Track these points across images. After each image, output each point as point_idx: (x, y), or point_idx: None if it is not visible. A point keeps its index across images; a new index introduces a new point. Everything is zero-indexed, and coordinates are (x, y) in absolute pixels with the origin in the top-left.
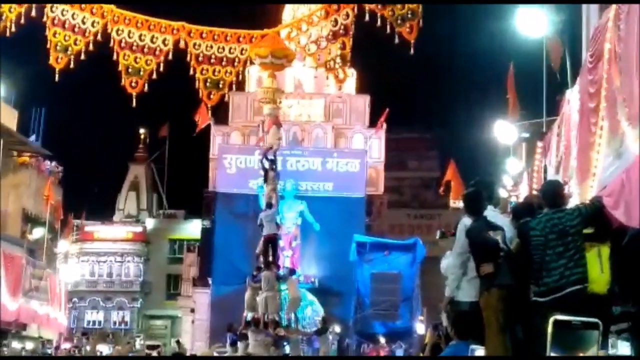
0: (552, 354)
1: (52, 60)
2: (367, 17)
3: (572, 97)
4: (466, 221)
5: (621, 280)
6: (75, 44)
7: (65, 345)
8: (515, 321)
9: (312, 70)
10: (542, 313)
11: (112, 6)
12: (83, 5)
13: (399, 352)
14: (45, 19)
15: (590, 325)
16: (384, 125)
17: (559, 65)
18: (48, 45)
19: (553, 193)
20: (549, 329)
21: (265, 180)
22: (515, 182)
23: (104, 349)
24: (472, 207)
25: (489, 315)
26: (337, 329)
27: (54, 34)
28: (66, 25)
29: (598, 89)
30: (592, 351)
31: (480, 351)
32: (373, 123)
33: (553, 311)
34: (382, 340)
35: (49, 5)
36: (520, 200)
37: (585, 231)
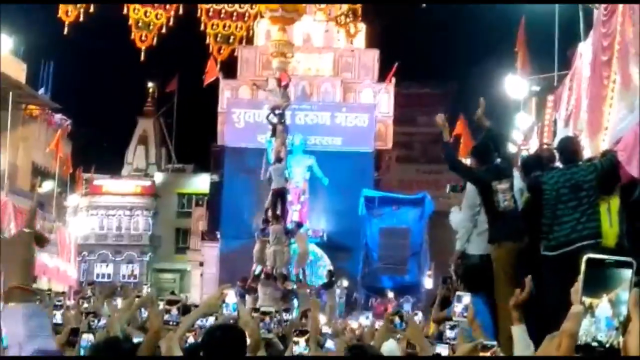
0: (584, 297)
1: (61, 13)
2: None
3: (585, 51)
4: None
5: (631, 234)
6: None
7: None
8: (525, 274)
9: (322, 24)
10: (552, 267)
11: None
12: None
13: (407, 306)
14: None
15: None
16: (393, 80)
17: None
18: None
19: (569, 149)
20: (582, 267)
21: (274, 134)
22: (525, 136)
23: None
24: (480, 158)
25: (499, 268)
26: (345, 283)
27: None
28: None
29: (611, 42)
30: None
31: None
32: (382, 78)
33: (562, 265)
34: (390, 294)
35: None
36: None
37: None
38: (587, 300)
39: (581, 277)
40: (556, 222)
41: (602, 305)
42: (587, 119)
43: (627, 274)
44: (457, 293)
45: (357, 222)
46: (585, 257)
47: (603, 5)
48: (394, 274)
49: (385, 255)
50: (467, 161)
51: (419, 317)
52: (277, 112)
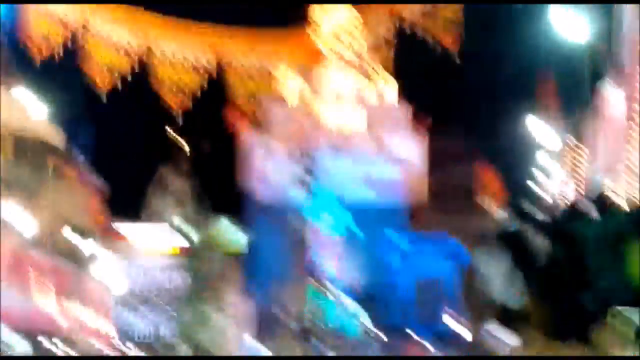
0: None
1: (98, 80)
2: (408, 30)
3: (614, 99)
4: (508, 227)
5: None
6: (120, 63)
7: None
8: (565, 327)
9: (352, 79)
10: (594, 316)
11: (154, 16)
12: (126, 20)
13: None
14: (90, 39)
15: None
16: (425, 134)
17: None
18: (91, 64)
19: (605, 201)
20: (608, 319)
21: (308, 192)
22: (556, 184)
23: None
24: (512, 207)
25: (535, 322)
26: (382, 335)
27: (99, 53)
28: (111, 45)
29: None
30: None
31: None
32: (413, 131)
33: (604, 313)
34: (428, 346)
35: (94, 25)
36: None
37: None
38: None
39: (608, 328)
40: (596, 275)
41: None
42: (624, 167)
43: None
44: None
45: (392, 274)
46: (610, 311)
47: (637, 57)
48: (430, 325)
49: (420, 307)
50: (501, 212)
51: None
52: (308, 170)
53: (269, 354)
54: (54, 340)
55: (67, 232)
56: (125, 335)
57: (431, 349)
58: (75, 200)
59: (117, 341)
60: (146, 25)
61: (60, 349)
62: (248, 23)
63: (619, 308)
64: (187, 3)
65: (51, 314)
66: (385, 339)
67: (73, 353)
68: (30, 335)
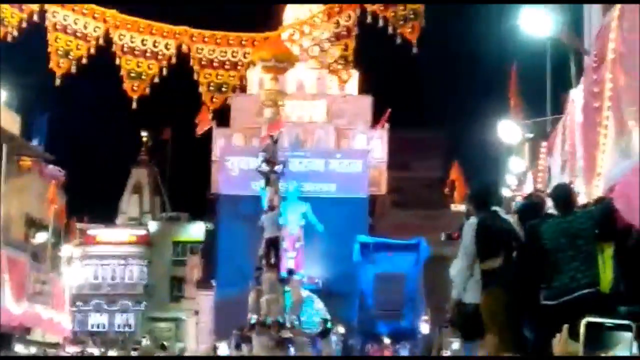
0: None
1: (53, 65)
2: (369, 19)
3: (577, 97)
4: (472, 221)
5: (627, 280)
6: (77, 48)
7: (71, 349)
8: (524, 324)
9: (314, 71)
10: (552, 316)
11: (114, 11)
12: (85, 11)
13: (403, 352)
14: (47, 24)
15: (623, 327)
16: (386, 125)
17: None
18: (49, 50)
19: (563, 197)
20: (582, 330)
21: (267, 183)
22: (519, 181)
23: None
24: (479, 201)
25: (486, 317)
26: (341, 329)
27: (56, 39)
28: (68, 31)
29: (602, 89)
30: (625, 352)
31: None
32: (376, 124)
33: (563, 314)
34: (387, 340)
35: (50, 11)
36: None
37: None
38: None
39: (582, 339)
40: (555, 270)
41: None
42: (583, 165)
43: (627, 335)
44: (448, 339)
45: (352, 268)
46: (584, 322)
47: (593, 52)
48: (390, 319)
49: (380, 301)
50: (463, 207)
51: None
52: (268, 161)
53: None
54: (11, 333)
55: (23, 223)
56: (82, 326)
57: (388, 342)
58: (32, 190)
59: (73, 332)
60: (107, 16)
61: (18, 342)
62: (215, 25)
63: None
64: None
65: (8, 307)
66: (343, 332)
67: (32, 348)
68: None
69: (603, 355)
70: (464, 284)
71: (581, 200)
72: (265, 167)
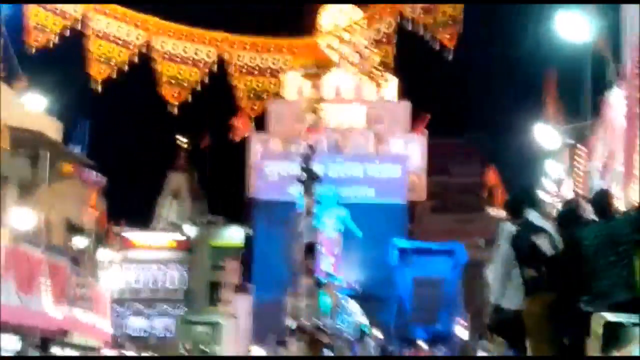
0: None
1: (94, 72)
2: (408, 26)
3: (615, 101)
4: (507, 227)
5: None
6: (119, 55)
7: (108, 352)
8: (563, 331)
9: (353, 77)
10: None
11: (156, 19)
12: (128, 19)
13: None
14: (89, 32)
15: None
16: (425, 131)
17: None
18: (90, 57)
19: (604, 202)
20: (599, 330)
21: (306, 190)
22: (558, 186)
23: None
24: (512, 209)
25: (531, 324)
26: (379, 334)
27: (98, 46)
28: (110, 38)
29: None
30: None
31: None
32: (414, 129)
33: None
34: (424, 345)
35: (93, 18)
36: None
37: None
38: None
39: (600, 339)
40: (596, 277)
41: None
42: (623, 170)
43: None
44: (481, 342)
45: (390, 273)
46: (603, 322)
47: (636, 57)
48: (427, 324)
49: (418, 306)
50: (501, 212)
51: None
52: (306, 169)
53: (266, 352)
54: (51, 337)
55: (64, 228)
56: (121, 331)
57: (426, 348)
58: (73, 195)
59: (113, 336)
60: (147, 24)
61: (57, 346)
62: (253, 30)
63: (603, 314)
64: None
65: (48, 311)
66: (382, 337)
67: (71, 351)
68: (26, 332)
69: (617, 355)
70: (502, 289)
71: (620, 205)
72: (303, 175)
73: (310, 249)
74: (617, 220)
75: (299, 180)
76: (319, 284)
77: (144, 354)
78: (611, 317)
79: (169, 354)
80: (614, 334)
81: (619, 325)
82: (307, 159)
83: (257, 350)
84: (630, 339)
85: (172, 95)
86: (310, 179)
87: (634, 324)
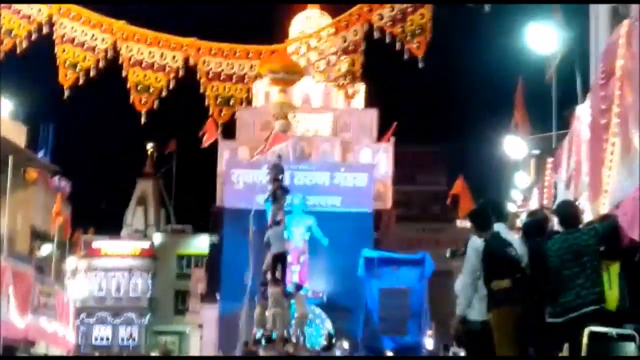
0: None
1: (60, 77)
2: (376, 34)
3: (582, 113)
4: (475, 240)
5: (633, 297)
6: (84, 60)
7: None
8: (528, 342)
9: (320, 85)
10: (557, 333)
11: (123, 22)
12: (93, 22)
13: None
14: (54, 36)
15: (626, 337)
16: (392, 139)
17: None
18: (57, 62)
19: (568, 213)
20: (584, 340)
21: (274, 200)
22: (524, 197)
23: None
24: (479, 222)
25: (500, 334)
26: (346, 344)
27: (63, 51)
28: (76, 42)
29: (609, 106)
30: None
31: None
32: (381, 137)
33: (568, 331)
34: (391, 355)
35: (58, 22)
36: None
37: None
38: None
39: (584, 349)
40: (560, 288)
41: None
42: (588, 182)
43: (630, 346)
44: (452, 350)
45: (357, 282)
46: (587, 331)
47: (601, 68)
48: (395, 334)
49: (385, 316)
50: (468, 223)
51: None
52: (274, 179)
53: None
54: (15, 346)
55: (28, 235)
56: (86, 339)
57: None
58: (38, 202)
59: (77, 346)
60: (112, 28)
61: (20, 355)
62: (222, 37)
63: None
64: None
65: (12, 320)
66: (347, 348)
67: None
68: None
69: None
70: (469, 301)
71: (586, 217)
72: (271, 186)
73: (279, 259)
74: (581, 231)
75: (271, 192)
76: (287, 294)
77: None
78: (595, 327)
79: None
80: (598, 347)
81: (603, 338)
82: (276, 168)
83: None
84: (618, 354)
85: (140, 102)
86: (280, 189)
87: (620, 337)
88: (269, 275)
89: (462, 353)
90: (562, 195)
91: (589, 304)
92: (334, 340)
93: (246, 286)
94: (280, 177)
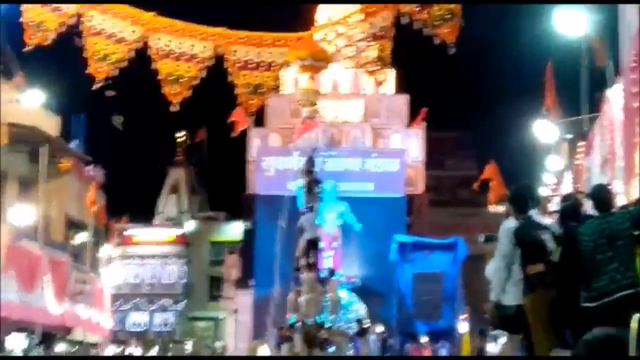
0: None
1: (91, 69)
2: (403, 20)
3: (614, 96)
4: (509, 223)
5: None
6: (114, 52)
7: (110, 349)
8: (564, 326)
9: (350, 71)
10: (592, 318)
11: (151, 14)
12: (122, 14)
13: (443, 351)
14: (83, 28)
15: None
16: (423, 124)
17: (605, 61)
18: (87, 55)
19: (602, 197)
20: (634, 325)
21: (308, 191)
22: (556, 181)
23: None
24: (518, 205)
25: (534, 319)
26: (380, 329)
27: (94, 44)
28: (105, 35)
29: None
30: None
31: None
32: (412, 123)
33: (603, 316)
34: (425, 339)
35: (86, 15)
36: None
37: None
38: None
39: (633, 335)
40: (594, 272)
41: None
42: (622, 165)
43: None
44: (492, 333)
45: (390, 267)
46: (637, 316)
47: (633, 52)
48: (428, 319)
49: (418, 301)
50: (500, 207)
51: None
52: (308, 171)
53: (267, 348)
54: (53, 333)
55: (63, 224)
56: (121, 325)
57: (426, 341)
58: (72, 191)
59: (112, 332)
60: (141, 20)
61: (58, 342)
62: (250, 26)
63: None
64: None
65: (49, 308)
66: (382, 330)
67: (72, 347)
68: (26, 328)
69: None
70: (502, 285)
71: (620, 200)
72: (305, 179)
73: (313, 245)
74: (615, 215)
75: (300, 174)
76: (320, 280)
77: (147, 350)
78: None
79: (169, 349)
80: None
81: None
82: (310, 161)
83: (263, 349)
84: None
85: (172, 93)
86: (314, 181)
87: None
88: (302, 261)
89: (503, 337)
90: (596, 179)
91: (624, 288)
92: (365, 325)
93: (279, 272)
94: (313, 169)
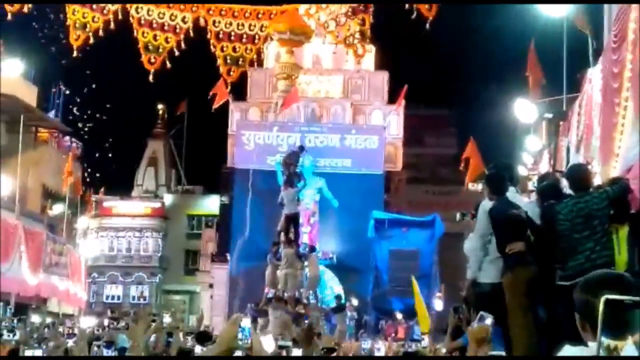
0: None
1: (70, 38)
2: None
3: (594, 76)
4: (486, 203)
5: None
6: (93, 21)
7: (88, 321)
8: (539, 303)
9: (331, 47)
10: (567, 297)
11: None
12: None
13: (417, 329)
14: None
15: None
16: (403, 102)
17: (587, 29)
18: (67, 23)
19: (578, 177)
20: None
21: (289, 184)
22: (535, 160)
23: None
24: (495, 187)
25: (512, 297)
26: (355, 303)
27: (73, 12)
28: (84, 3)
29: (621, 70)
30: None
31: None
32: (392, 100)
33: None
34: (400, 316)
35: None
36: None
37: None
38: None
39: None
40: (571, 251)
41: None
42: (599, 145)
43: None
44: (481, 313)
45: (367, 243)
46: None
47: (613, 32)
48: (404, 296)
49: (394, 277)
50: (479, 186)
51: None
52: (287, 164)
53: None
54: (27, 304)
55: (40, 195)
56: (97, 297)
57: (401, 318)
58: (49, 162)
59: (88, 303)
60: None
61: (32, 312)
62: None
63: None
64: None
65: (25, 278)
66: (358, 307)
67: (47, 317)
68: (0, 298)
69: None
70: (479, 263)
71: (597, 181)
72: (286, 172)
73: (292, 220)
74: (592, 194)
75: (279, 149)
76: (300, 255)
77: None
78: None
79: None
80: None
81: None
82: (295, 156)
83: (246, 320)
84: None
85: (149, 62)
86: (295, 174)
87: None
88: (282, 236)
89: (490, 318)
90: (573, 158)
91: (598, 267)
92: (343, 301)
93: (255, 246)
94: (295, 163)
